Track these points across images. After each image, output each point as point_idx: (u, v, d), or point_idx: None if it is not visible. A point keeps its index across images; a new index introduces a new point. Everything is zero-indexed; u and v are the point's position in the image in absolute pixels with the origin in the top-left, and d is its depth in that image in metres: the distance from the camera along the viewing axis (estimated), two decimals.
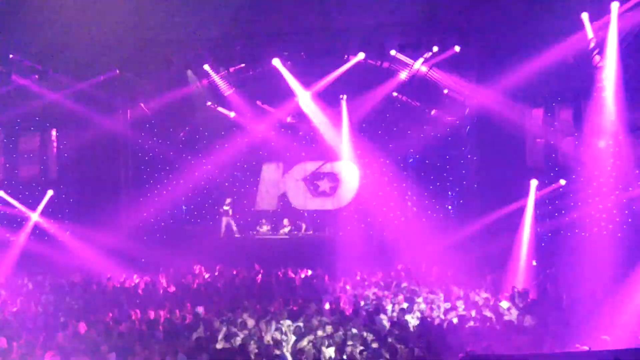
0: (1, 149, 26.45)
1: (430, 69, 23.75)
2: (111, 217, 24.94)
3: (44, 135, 26.76)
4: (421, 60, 23.47)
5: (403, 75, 24.18)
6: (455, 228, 24.28)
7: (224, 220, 26.45)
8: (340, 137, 26.21)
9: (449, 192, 26.30)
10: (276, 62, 23.80)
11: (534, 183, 22.49)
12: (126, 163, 26.81)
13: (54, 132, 26.73)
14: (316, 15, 22.37)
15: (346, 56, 23.92)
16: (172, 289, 20.32)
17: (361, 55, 23.56)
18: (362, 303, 17.64)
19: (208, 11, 21.72)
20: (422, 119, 25.98)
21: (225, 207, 26.51)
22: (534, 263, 21.58)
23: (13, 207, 24.75)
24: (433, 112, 25.72)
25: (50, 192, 24.88)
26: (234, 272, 21.93)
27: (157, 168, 27.24)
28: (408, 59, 23.61)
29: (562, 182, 22.66)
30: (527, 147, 24.29)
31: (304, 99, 25.29)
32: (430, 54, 23.13)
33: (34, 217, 24.70)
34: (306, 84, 24.88)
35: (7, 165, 26.52)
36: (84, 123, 25.01)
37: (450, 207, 26.19)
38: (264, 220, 26.89)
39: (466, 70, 23.97)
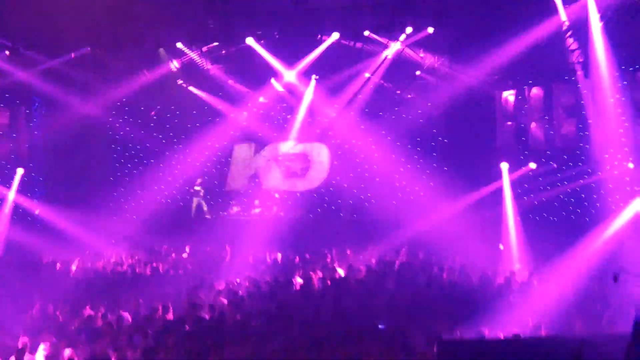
0: None
1: (403, 50, 23.81)
2: (81, 196, 24.92)
3: (14, 112, 26.46)
4: (396, 42, 23.48)
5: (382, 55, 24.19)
6: (426, 210, 24.37)
7: (195, 200, 26.40)
8: (312, 118, 26.32)
9: (421, 175, 26.28)
10: (250, 40, 23.69)
11: (504, 166, 22.71)
12: (97, 142, 26.68)
13: (24, 110, 26.40)
14: None
15: (319, 36, 23.84)
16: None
17: (335, 36, 23.49)
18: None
19: None
20: (395, 100, 25.99)
21: (196, 188, 26.44)
22: (501, 247, 21.78)
23: None
24: (409, 95, 25.78)
25: (20, 170, 24.64)
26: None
27: (128, 147, 27.17)
28: (382, 39, 23.57)
29: (532, 165, 22.92)
30: (497, 129, 24.54)
31: (280, 79, 25.31)
32: (404, 35, 23.13)
33: (10, 195, 24.46)
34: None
35: None
36: (55, 101, 24.86)
37: (420, 190, 26.19)
38: (234, 202, 26.88)
39: (439, 52, 24.08)
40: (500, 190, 23.01)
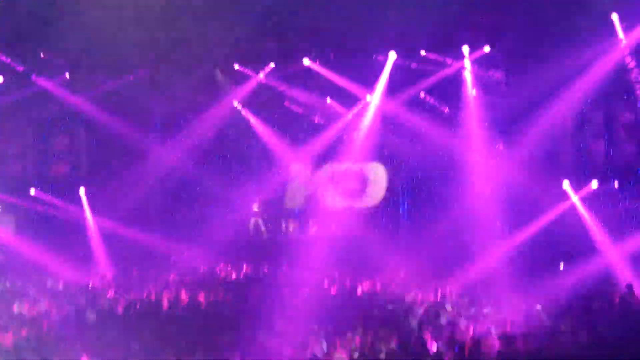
0: (30, 148, 26.76)
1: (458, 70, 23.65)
2: (139, 216, 25.31)
3: (74, 134, 26.95)
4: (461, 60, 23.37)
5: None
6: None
7: (252, 220, 26.50)
8: (368, 137, 26.31)
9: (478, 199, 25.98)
10: (306, 61, 23.79)
11: (566, 184, 22.45)
12: (154, 164, 26.97)
13: (83, 131, 26.84)
14: (345, 13, 22.21)
15: (374, 56, 23.82)
16: None
17: (393, 55, 23.41)
18: None
19: (237, 9, 21.74)
20: (449, 122, 25.73)
21: (255, 209, 26.55)
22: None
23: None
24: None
25: (82, 189, 25.16)
26: None
27: (186, 170, 27.39)
28: (438, 58, 23.45)
29: (594, 184, 22.58)
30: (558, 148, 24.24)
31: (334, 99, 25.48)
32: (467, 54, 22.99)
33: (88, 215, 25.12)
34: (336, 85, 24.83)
35: (38, 163, 26.82)
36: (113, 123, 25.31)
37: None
38: (291, 220, 26.96)
39: (494, 71, 23.85)
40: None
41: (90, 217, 25.15)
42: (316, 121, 26.76)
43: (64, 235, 24.44)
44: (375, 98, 25.09)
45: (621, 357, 11.28)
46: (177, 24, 22.11)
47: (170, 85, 25.15)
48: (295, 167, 27.50)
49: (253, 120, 26.66)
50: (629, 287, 16.77)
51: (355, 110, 25.82)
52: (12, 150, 26.41)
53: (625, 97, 22.35)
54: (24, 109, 24.94)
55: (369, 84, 24.65)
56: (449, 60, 23.48)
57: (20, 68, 23.33)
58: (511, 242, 21.80)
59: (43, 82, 24.04)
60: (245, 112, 26.41)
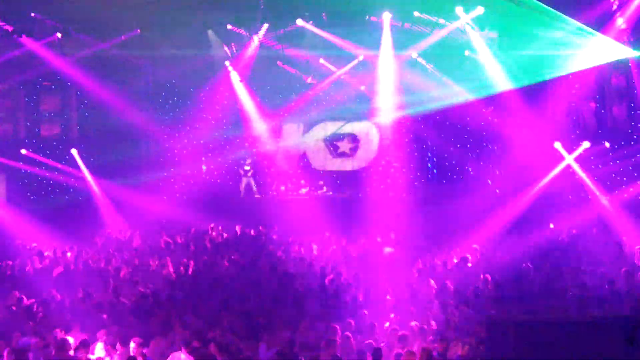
0: (22, 108, 26.60)
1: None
2: (132, 175, 25.32)
3: (64, 95, 26.83)
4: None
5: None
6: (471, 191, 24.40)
7: (244, 180, 26.52)
8: (360, 97, 26.35)
9: (470, 154, 26.19)
10: (300, 21, 23.60)
11: (558, 145, 22.63)
12: (147, 122, 26.85)
13: (75, 92, 26.71)
14: None
15: (367, 17, 23.61)
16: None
17: (387, 16, 23.22)
18: None
19: None
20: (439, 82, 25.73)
21: (246, 167, 26.56)
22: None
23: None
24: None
25: (75, 151, 25.18)
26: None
27: (178, 127, 27.34)
28: (431, 18, 23.27)
29: (586, 144, 22.77)
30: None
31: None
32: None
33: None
34: (328, 45, 24.63)
35: (29, 124, 26.68)
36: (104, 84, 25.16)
37: (470, 169, 26.10)
38: (282, 181, 26.99)
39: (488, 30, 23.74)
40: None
41: (91, 179, 25.20)
42: (308, 81, 26.61)
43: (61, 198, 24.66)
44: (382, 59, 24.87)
45: None
46: None
47: (161, 47, 24.91)
48: (287, 127, 27.43)
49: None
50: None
51: (346, 68, 25.75)
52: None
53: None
54: (13, 69, 24.66)
55: (364, 44, 24.42)
56: (442, 21, 23.28)
57: (9, 28, 23.00)
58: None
59: (32, 43, 23.65)
60: (235, 74, 26.14)
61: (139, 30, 23.94)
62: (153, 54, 25.41)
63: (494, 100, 24.39)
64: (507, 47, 23.25)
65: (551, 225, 21.50)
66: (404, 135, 26.36)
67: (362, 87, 26.23)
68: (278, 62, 25.91)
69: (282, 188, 26.72)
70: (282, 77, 26.51)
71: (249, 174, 26.65)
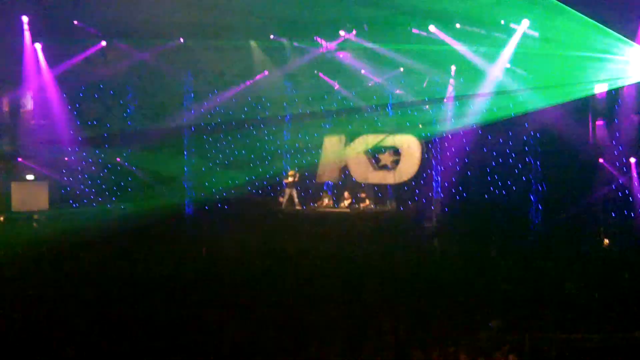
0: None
1: None
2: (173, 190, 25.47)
3: (108, 104, 27.07)
4: None
5: None
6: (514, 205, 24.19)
7: (287, 191, 26.43)
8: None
9: (515, 170, 25.83)
10: (342, 32, 23.55)
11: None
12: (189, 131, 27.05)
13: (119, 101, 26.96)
14: None
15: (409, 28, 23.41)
16: None
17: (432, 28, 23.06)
18: None
19: None
20: None
21: (289, 179, 26.46)
22: None
23: None
24: None
25: None
26: None
27: (219, 138, 27.43)
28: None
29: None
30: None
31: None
32: None
33: None
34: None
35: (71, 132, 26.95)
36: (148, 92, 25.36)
37: (514, 186, 25.73)
38: (324, 193, 26.85)
39: None
40: None
41: None
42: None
43: None
44: None
45: None
46: None
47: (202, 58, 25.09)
48: (329, 139, 27.30)
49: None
50: None
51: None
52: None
53: None
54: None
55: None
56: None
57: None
58: None
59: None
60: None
61: (182, 40, 24.08)
62: (194, 64, 25.48)
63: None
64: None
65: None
66: (447, 149, 26.10)
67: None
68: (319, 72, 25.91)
69: (325, 200, 26.56)
70: (321, 87, 26.51)
71: (292, 185, 26.52)
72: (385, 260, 19.23)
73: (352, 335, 13.12)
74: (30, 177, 25.76)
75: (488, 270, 18.24)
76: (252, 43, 24.97)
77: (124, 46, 24.62)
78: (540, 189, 23.69)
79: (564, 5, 19.81)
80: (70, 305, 14.65)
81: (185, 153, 27.03)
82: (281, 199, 26.54)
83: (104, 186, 26.52)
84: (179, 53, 24.96)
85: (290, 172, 26.49)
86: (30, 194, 25.33)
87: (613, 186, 23.45)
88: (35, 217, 24.79)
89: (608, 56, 21.48)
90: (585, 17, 20.19)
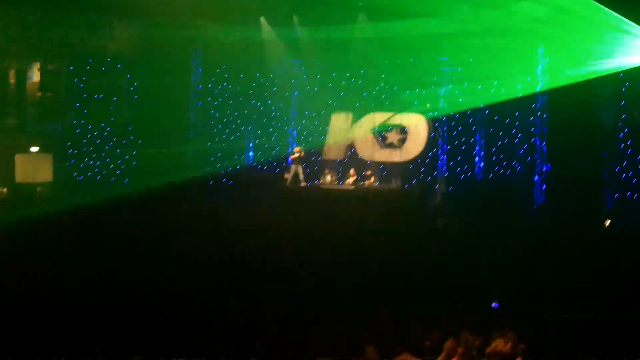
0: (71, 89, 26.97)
1: None
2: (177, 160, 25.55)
3: (114, 76, 27.12)
4: None
5: None
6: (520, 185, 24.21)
7: (293, 167, 26.41)
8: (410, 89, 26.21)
9: (518, 150, 25.83)
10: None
11: None
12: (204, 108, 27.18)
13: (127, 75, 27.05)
14: None
15: None
16: None
17: None
18: None
19: None
20: None
21: (295, 155, 26.45)
22: None
23: None
24: None
25: None
26: None
27: (226, 114, 27.53)
28: None
29: None
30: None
31: None
32: None
33: None
34: None
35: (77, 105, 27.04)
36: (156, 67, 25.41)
37: (519, 165, 25.75)
38: (328, 170, 26.83)
39: None
40: None
41: None
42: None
43: None
44: None
45: None
46: None
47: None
48: (336, 116, 27.26)
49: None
50: None
51: None
52: None
53: None
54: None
55: None
56: None
57: None
58: None
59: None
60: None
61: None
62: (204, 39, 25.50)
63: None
64: None
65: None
66: (453, 129, 26.13)
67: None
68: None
69: (329, 178, 26.52)
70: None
71: (298, 162, 26.49)
72: (387, 238, 19.33)
73: (354, 315, 13.24)
74: (34, 149, 25.79)
75: (490, 250, 18.34)
76: (262, 19, 24.95)
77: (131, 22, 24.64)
78: (544, 169, 23.60)
79: None
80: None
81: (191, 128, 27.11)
82: (287, 175, 26.46)
83: (108, 159, 26.61)
84: (188, 29, 24.95)
85: (296, 149, 26.45)
86: (34, 166, 25.38)
87: (617, 168, 23.44)
88: (39, 188, 24.95)
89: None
90: None
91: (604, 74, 22.77)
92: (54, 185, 25.66)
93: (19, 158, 25.25)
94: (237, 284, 15.41)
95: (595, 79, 22.74)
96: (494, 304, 13.95)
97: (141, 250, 17.92)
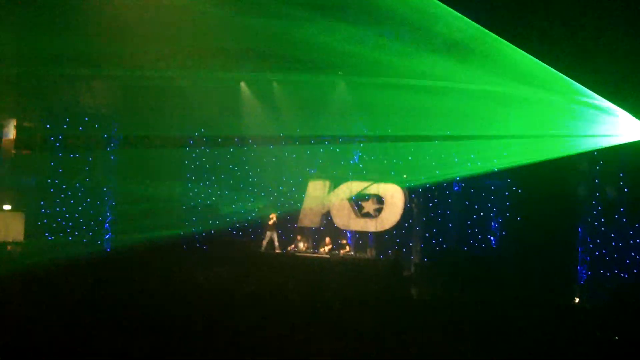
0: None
1: None
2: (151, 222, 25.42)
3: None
4: None
5: None
6: (498, 261, 24.21)
7: (268, 234, 26.33)
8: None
9: (492, 223, 25.96)
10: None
11: None
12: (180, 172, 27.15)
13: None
14: None
15: None
16: None
17: None
18: None
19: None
20: None
21: (270, 222, 26.39)
22: None
23: None
24: None
25: None
26: None
27: (202, 177, 27.57)
28: None
29: None
30: None
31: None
32: None
33: None
34: None
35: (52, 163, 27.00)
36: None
37: (493, 238, 25.85)
38: (303, 238, 26.74)
39: None
40: None
41: None
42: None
43: None
44: None
45: None
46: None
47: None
48: (313, 184, 27.28)
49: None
50: None
51: None
52: None
53: None
54: None
55: None
56: None
57: None
58: None
59: None
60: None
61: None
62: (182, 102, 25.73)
63: None
64: None
65: None
66: (429, 200, 26.25)
67: None
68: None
69: (303, 245, 26.44)
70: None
71: (273, 228, 26.44)
72: (360, 307, 19.16)
73: None
74: (6, 206, 25.55)
75: (464, 319, 18.23)
76: (242, 84, 25.21)
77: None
78: (517, 244, 23.66)
79: None
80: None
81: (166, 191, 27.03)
82: (263, 242, 26.37)
83: (81, 220, 26.44)
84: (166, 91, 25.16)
85: (272, 215, 26.45)
86: (6, 224, 25.11)
87: (591, 245, 23.59)
88: (9, 247, 24.66)
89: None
90: None
91: (578, 152, 23.06)
92: (25, 244, 25.34)
93: None
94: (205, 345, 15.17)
95: (569, 156, 22.99)
96: None
97: (112, 312, 17.61)
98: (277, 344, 15.01)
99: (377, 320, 17.87)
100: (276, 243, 26.25)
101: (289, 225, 27.23)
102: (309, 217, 27.09)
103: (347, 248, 26.21)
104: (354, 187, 26.67)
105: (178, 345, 15.23)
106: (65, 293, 19.12)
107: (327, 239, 26.29)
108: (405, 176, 26.24)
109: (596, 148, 23.07)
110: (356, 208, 26.64)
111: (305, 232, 27.08)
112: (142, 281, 21.35)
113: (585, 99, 21.66)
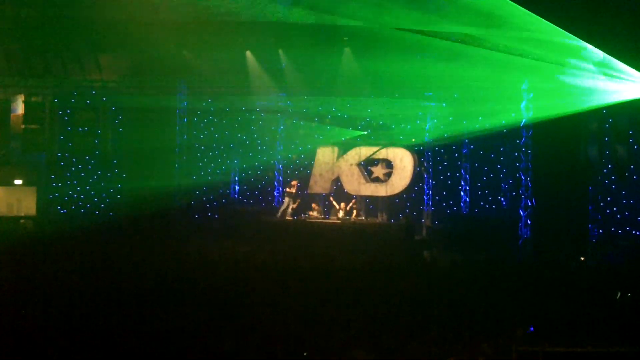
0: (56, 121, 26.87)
1: None
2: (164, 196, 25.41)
3: (100, 110, 27.14)
4: None
5: None
6: (509, 222, 24.20)
7: (286, 201, 26.31)
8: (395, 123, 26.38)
9: (502, 184, 25.99)
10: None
11: None
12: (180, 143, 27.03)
13: (111, 108, 27.07)
14: None
15: None
16: None
17: None
18: None
19: None
20: None
21: (292, 189, 26.35)
22: None
23: None
24: None
25: None
26: None
27: (212, 147, 27.57)
28: None
29: None
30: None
31: None
32: None
33: None
34: None
35: (62, 137, 26.93)
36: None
37: (503, 199, 25.88)
38: (314, 204, 26.78)
39: None
40: None
41: None
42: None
43: None
44: None
45: None
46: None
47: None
48: (322, 150, 27.26)
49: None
50: None
51: None
52: None
53: None
54: None
55: None
56: None
57: None
58: None
59: None
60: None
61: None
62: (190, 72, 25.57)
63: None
64: None
65: None
66: (439, 163, 26.27)
67: None
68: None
69: (315, 212, 26.47)
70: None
71: (292, 196, 26.38)
72: (373, 272, 19.21)
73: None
74: (18, 181, 25.64)
75: (476, 282, 18.25)
76: (248, 53, 25.04)
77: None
78: (529, 204, 23.62)
79: None
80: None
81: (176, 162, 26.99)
82: (281, 208, 26.36)
83: (92, 192, 26.51)
84: (173, 61, 24.99)
85: (293, 182, 26.39)
86: (18, 198, 25.22)
87: (601, 203, 23.55)
88: (22, 221, 24.79)
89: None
90: None
91: (588, 109, 22.92)
92: (37, 218, 25.45)
93: (1, 190, 25.08)
94: (221, 316, 15.23)
95: (579, 114, 22.87)
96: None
97: (125, 284, 17.68)
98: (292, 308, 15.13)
99: (389, 284, 17.98)
100: (289, 210, 26.15)
101: (299, 192, 27.21)
102: (319, 184, 27.11)
103: (359, 213, 26.24)
104: (363, 152, 26.64)
105: (191, 308, 15.38)
106: (79, 265, 19.27)
107: (337, 205, 26.29)
108: (413, 140, 26.20)
109: (604, 105, 22.92)
110: (366, 173, 26.65)
111: (316, 199, 27.10)
112: (155, 252, 21.50)
113: (592, 57, 21.49)
